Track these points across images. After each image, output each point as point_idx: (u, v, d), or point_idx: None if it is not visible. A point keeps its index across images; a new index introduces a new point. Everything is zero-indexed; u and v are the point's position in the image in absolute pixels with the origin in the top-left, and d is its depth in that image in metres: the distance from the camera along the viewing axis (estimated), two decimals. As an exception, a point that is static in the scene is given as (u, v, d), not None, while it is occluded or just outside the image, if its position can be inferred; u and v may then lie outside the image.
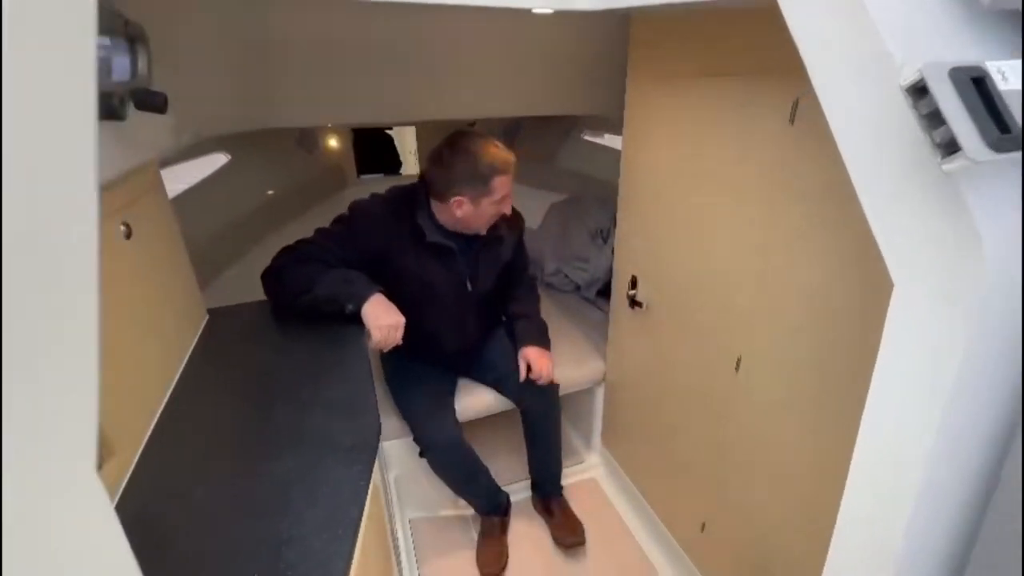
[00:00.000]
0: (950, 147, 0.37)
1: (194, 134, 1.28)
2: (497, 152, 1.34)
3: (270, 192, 2.74)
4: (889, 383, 0.50)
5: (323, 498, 0.77)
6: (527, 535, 1.79)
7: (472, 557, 1.69)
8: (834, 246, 0.94)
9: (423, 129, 3.24)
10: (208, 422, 0.96)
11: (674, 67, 1.29)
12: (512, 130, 3.32)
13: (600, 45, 1.66)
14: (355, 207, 1.41)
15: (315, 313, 1.29)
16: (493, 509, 1.73)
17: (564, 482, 1.89)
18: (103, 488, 0.31)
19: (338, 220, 1.41)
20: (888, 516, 0.51)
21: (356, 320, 1.27)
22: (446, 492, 1.71)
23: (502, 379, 1.69)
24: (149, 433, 0.89)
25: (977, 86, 0.37)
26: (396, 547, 1.51)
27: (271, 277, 1.35)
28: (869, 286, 0.88)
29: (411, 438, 1.58)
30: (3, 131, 0.23)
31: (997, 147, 0.36)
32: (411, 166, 3.54)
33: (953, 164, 0.38)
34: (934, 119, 0.38)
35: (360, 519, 0.75)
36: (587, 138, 2.95)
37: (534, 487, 1.86)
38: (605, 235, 2.43)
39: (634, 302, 1.61)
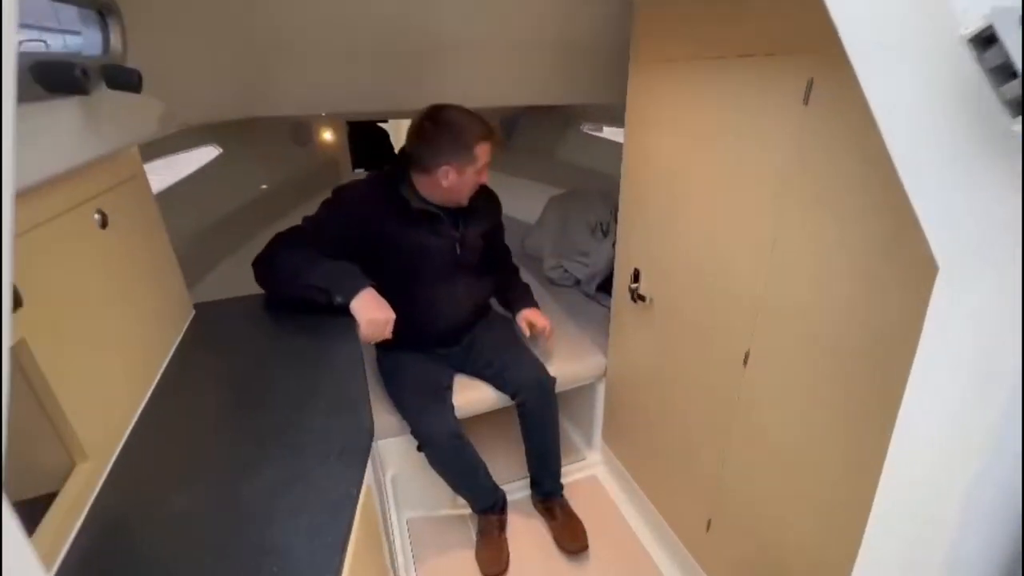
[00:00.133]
0: (1021, 105, 0.32)
1: (179, 121, 1.22)
2: (477, 120, 1.40)
3: (263, 186, 2.68)
4: (932, 376, 0.46)
5: (311, 504, 0.72)
6: (527, 534, 1.75)
7: (470, 556, 1.67)
8: (850, 235, 0.89)
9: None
10: (190, 423, 0.90)
11: (679, 50, 1.24)
12: (511, 123, 3.27)
13: (600, 30, 1.61)
14: (338, 189, 1.46)
15: (305, 303, 1.26)
16: (491, 507, 1.70)
17: (565, 480, 1.85)
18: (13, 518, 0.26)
19: (324, 204, 1.45)
20: (931, 518, 0.47)
21: (345, 312, 1.24)
22: (444, 491, 1.67)
23: (498, 373, 1.67)
24: (126, 436, 0.84)
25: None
26: (392, 549, 1.46)
27: (263, 264, 1.35)
28: (887, 278, 0.83)
29: (408, 436, 1.55)
30: None
31: (1075, 104, 0.31)
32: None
33: (1025, 124, 0.33)
34: (1002, 73, 0.33)
35: (350, 528, 0.70)
36: (586, 131, 2.90)
37: (533, 485, 1.82)
38: (605, 228, 2.38)
39: (637, 295, 1.56)
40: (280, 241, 1.37)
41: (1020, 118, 0.33)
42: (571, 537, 1.69)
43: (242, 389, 1.01)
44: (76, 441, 0.70)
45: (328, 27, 1.41)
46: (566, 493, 1.82)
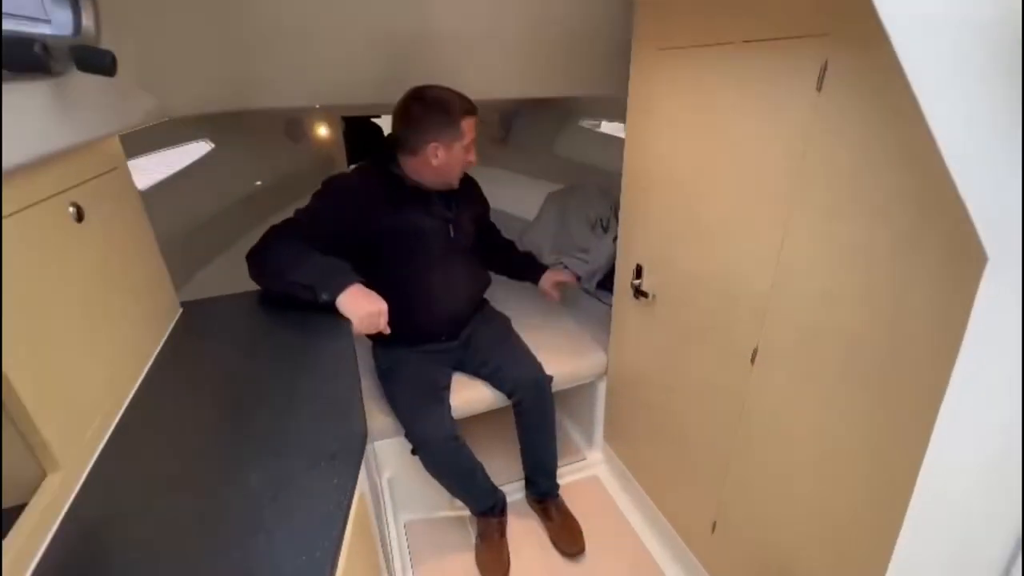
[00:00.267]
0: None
1: (166, 112, 1.17)
2: (459, 96, 1.42)
3: (257, 183, 2.63)
4: (979, 372, 0.42)
5: (300, 513, 0.68)
6: (527, 536, 1.72)
7: (470, 559, 1.63)
8: (867, 229, 0.85)
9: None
10: (173, 427, 0.86)
11: (684, 37, 1.19)
12: (509, 118, 3.22)
13: (601, 18, 1.56)
14: (328, 180, 1.46)
15: (296, 299, 1.22)
16: (490, 508, 1.66)
17: (565, 480, 1.82)
18: None
19: (315, 195, 1.44)
20: (978, 512, 0.43)
21: (332, 311, 1.19)
22: (442, 493, 1.64)
23: (494, 372, 1.64)
24: (104, 441, 0.79)
25: None
26: (389, 554, 1.42)
27: (256, 257, 1.32)
28: (909, 272, 0.79)
29: (404, 436, 1.50)
30: None
31: None
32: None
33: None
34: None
35: (342, 538, 0.66)
36: (585, 125, 2.85)
37: (528, 484, 1.79)
38: (605, 224, 2.33)
39: (639, 292, 1.52)
40: (274, 234, 1.34)
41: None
42: (568, 539, 1.66)
43: (229, 391, 0.96)
44: (47, 450, 0.66)
45: (324, 15, 1.36)
46: (566, 493, 1.78)
